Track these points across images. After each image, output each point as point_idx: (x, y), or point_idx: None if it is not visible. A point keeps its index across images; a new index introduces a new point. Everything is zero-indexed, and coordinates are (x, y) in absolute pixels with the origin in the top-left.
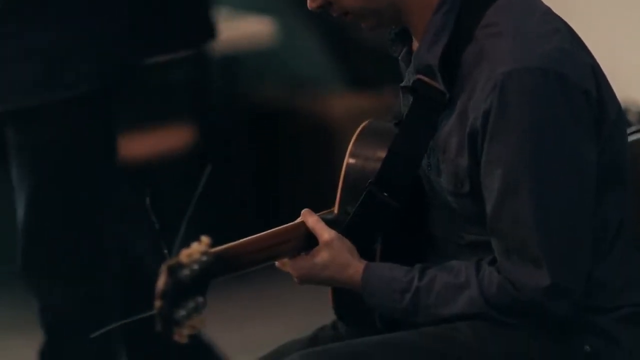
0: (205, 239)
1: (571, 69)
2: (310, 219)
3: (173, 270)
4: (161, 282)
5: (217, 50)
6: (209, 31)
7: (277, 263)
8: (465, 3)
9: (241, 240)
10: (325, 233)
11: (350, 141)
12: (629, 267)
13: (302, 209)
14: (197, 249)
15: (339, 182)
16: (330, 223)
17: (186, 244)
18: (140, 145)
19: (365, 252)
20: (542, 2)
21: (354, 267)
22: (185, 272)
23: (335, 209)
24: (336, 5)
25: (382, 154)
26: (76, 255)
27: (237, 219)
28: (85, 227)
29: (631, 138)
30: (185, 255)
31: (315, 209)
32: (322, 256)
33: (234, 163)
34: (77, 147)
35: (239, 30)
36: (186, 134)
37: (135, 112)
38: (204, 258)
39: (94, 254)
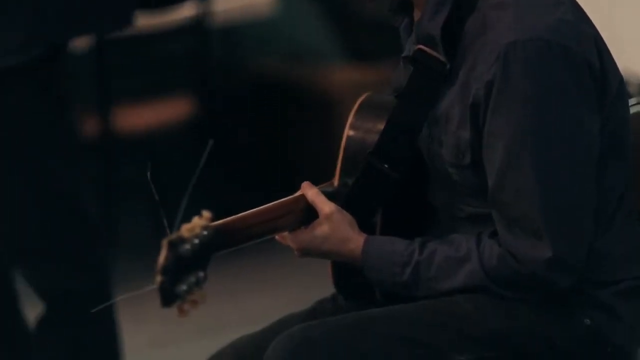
0: (206, 213)
1: (574, 40)
2: (310, 191)
3: (174, 245)
4: (162, 256)
5: (217, 21)
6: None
7: (277, 236)
8: None
9: (241, 214)
10: (325, 206)
11: (349, 113)
12: (630, 239)
13: (303, 180)
14: (198, 224)
15: (338, 153)
16: (330, 195)
17: (187, 218)
18: (140, 117)
19: (365, 225)
20: None
21: (354, 240)
22: (187, 246)
23: (335, 181)
24: None
25: (382, 126)
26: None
27: (237, 191)
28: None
29: (632, 110)
30: (186, 229)
31: (315, 181)
32: (322, 229)
33: (233, 134)
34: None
35: (240, 1)
36: (186, 105)
37: (135, 83)
38: (205, 232)
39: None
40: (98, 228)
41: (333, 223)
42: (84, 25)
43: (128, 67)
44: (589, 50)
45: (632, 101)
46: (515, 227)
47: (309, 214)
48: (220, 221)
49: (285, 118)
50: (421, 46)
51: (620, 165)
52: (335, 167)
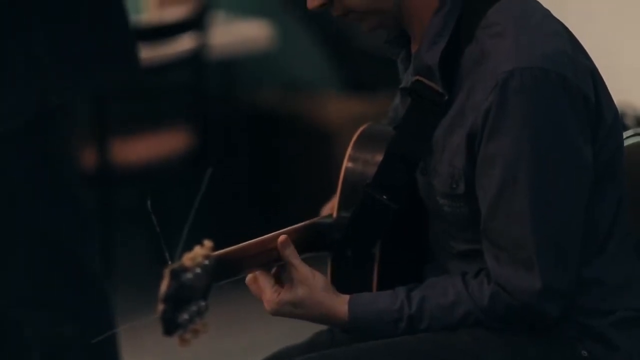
0: (207, 243)
1: (571, 71)
2: (286, 251)
3: (176, 274)
4: (164, 285)
5: (215, 54)
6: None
7: (252, 289)
8: (467, 4)
9: (242, 244)
10: (302, 269)
11: (346, 143)
12: (624, 268)
13: (301, 211)
14: (199, 253)
15: (335, 183)
16: (329, 227)
17: (188, 247)
18: (137, 148)
19: (364, 257)
20: (542, 5)
21: (332, 305)
22: (189, 275)
23: (334, 213)
24: (339, 4)
25: (380, 157)
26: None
27: (236, 222)
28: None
29: (628, 142)
30: (188, 258)
31: (314, 212)
32: (296, 292)
33: (232, 166)
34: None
35: (237, 33)
36: (183, 137)
37: (132, 115)
38: (206, 261)
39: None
40: (96, 275)
41: (309, 288)
42: (82, 84)
43: (126, 98)
44: (584, 82)
45: (629, 132)
46: (505, 257)
47: None
48: (222, 251)
49: (283, 149)
50: (419, 77)
51: (611, 194)
52: (332, 197)
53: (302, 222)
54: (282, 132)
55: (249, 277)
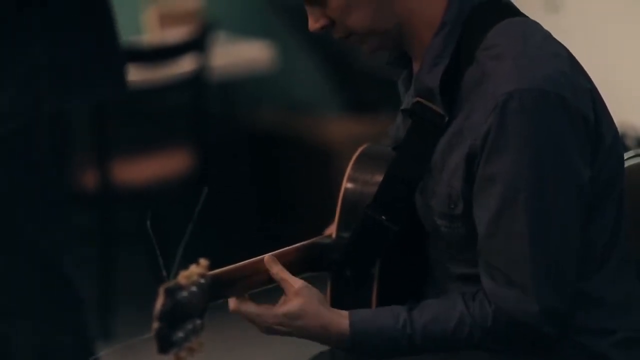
0: (203, 262)
1: (571, 92)
2: (274, 268)
3: (171, 292)
4: (159, 303)
5: (216, 75)
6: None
7: (241, 311)
8: (467, 25)
9: (238, 263)
10: (294, 282)
11: (347, 164)
12: (623, 288)
13: (301, 232)
14: (195, 271)
15: (335, 204)
16: (328, 247)
17: (184, 266)
18: (137, 169)
19: (363, 277)
20: (541, 27)
21: (330, 319)
22: (184, 293)
23: (333, 234)
24: (340, 26)
25: (380, 178)
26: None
27: (236, 242)
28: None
29: (629, 163)
30: (183, 277)
31: (314, 232)
32: (292, 305)
33: (232, 187)
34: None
35: (237, 54)
36: (183, 158)
37: (132, 136)
38: (202, 280)
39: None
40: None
41: (304, 298)
42: (73, 93)
43: (126, 119)
44: (584, 103)
45: (630, 153)
46: (503, 278)
47: None
48: (218, 270)
49: (284, 170)
50: (419, 99)
51: (610, 213)
52: (332, 218)
53: (302, 240)
54: (283, 153)
55: (232, 304)
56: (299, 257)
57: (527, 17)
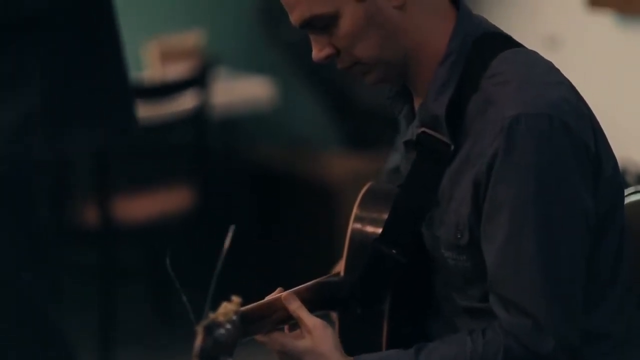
0: (236, 299)
1: (574, 120)
2: (292, 305)
3: (210, 330)
4: (199, 341)
5: (217, 112)
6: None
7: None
8: (471, 55)
9: (265, 300)
10: (309, 320)
11: (348, 200)
12: (627, 321)
13: (304, 268)
14: (230, 308)
15: (337, 240)
16: (336, 286)
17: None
18: (139, 206)
19: (374, 314)
20: (543, 57)
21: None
22: (221, 330)
23: (342, 272)
24: (346, 55)
25: (386, 215)
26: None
27: (237, 279)
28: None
29: (630, 199)
30: (220, 314)
31: (316, 269)
32: (304, 343)
33: (233, 223)
34: None
35: (239, 91)
36: (186, 195)
37: (134, 173)
38: (235, 317)
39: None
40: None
41: (315, 339)
42: (76, 139)
43: (127, 156)
44: (586, 132)
45: (630, 189)
46: (515, 309)
47: None
48: (249, 306)
49: (285, 207)
50: (424, 129)
51: (611, 245)
52: (336, 253)
53: (304, 278)
54: (284, 190)
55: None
56: (308, 296)
57: (528, 48)
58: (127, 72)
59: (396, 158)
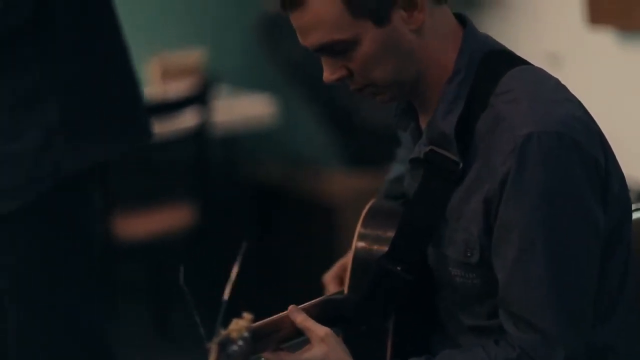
0: (247, 315)
1: (584, 136)
2: (298, 317)
3: (224, 346)
4: (212, 357)
5: (219, 129)
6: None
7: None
8: (479, 72)
9: (273, 317)
10: (319, 329)
11: (350, 218)
12: (634, 337)
13: (305, 286)
14: (242, 325)
15: (339, 257)
16: (341, 303)
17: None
18: (142, 224)
19: (378, 332)
20: (550, 74)
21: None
22: (234, 347)
23: (345, 289)
24: (360, 78)
25: (391, 233)
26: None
27: (238, 296)
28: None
29: (633, 216)
30: (234, 330)
31: (317, 287)
32: (318, 350)
33: (233, 240)
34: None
35: (240, 108)
36: (187, 213)
37: (136, 190)
38: (246, 334)
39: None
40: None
41: (329, 345)
42: (93, 153)
43: (128, 173)
44: (596, 148)
45: (633, 207)
46: (525, 325)
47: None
48: (259, 323)
49: (286, 224)
50: (433, 147)
51: (618, 262)
52: (333, 266)
53: (304, 294)
54: (285, 207)
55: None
56: (314, 313)
57: (535, 66)
58: (137, 81)
59: (398, 169)
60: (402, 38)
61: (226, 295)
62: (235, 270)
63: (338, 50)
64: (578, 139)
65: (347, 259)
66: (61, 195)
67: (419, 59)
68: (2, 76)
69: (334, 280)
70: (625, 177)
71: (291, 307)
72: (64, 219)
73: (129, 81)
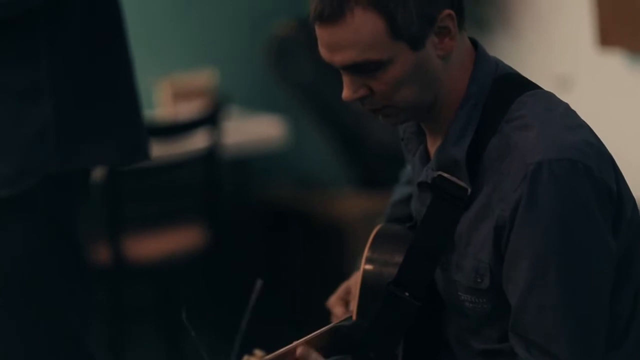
0: (259, 352)
1: (596, 163)
2: (310, 358)
3: None
4: None
5: (229, 151)
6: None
7: None
8: (490, 97)
9: (281, 350)
10: None
11: (359, 240)
12: None
13: (314, 309)
14: None
15: (344, 282)
16: (349, 330)
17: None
18: (152, 245)
19: (387, 358)
20: (560, 99)
21: None
22: None
23: (354, 316)
24: (381, 98)
25: (399, 257)
26: None
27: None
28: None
29: None
30: None
31: (327, 310)
32: None
33: (244, 262)
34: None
35: (250, 130)
36: (198, 235)
37: (146, 211)
38: None
39: None
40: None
41: None
42: (84, 156)
43: (139, 195)
44: (608, 175)
45: None
46: (537, 350)
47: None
48: (270, 355)
49: (296, 246)
50: (441, 172)
51: (628, 289)
52: (337, 289)
53: (314, 317)
54: (295, 229)
55: None
56: (321, 342)
57: (545, 90)
58: (138, 97)
59: (401, 191)
60: (430, 63)
61: (240, 333)
62: (250, 308)
63: (368, 70)
64: (590, 165)
65: (351, 282)
66: (42, 194)
67: (440, 85)
68: (12, 63)
69: (339, 302)
70: (637, 200)
71: (301, 349)
72: (44, 218)
73: (130, 96)
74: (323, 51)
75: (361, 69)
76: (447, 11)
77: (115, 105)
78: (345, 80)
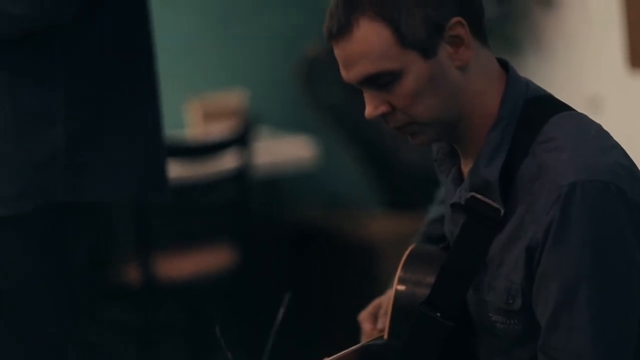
0: None
1: (629, 185)
2: None
3: None
4: None
5: (259, 171)
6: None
7: None
8: (522, 118)
9: None
10: None
11: (389, 261)
12: None
13: (342, 330)
14: None
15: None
16: (381, 350)
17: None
18: (182, 265)
19: None
20: (592, 120)
21: None
22: None
23: (385, 335)
24: (402, 114)
25: (431, 278)
26: None
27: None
28: None
29: None
30: None
31: (356, 328)
32: None
33: (273, 282)
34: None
35: (280, 150)
36: (228, 255)
37: (176, 231)
38: None
39: None
40: None
41: None
42: (91, 190)
43: (169, 215)
44: None
45: None
46: None
47: None
48: None
49: (326, 267)
50: (474, 194)
51: None
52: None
53: (344, 338)
54: (325, 249)
55: None
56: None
57: (577, 111)
58: (161, 128)
59: (436, 210)
60: (446, 73)
61: (268, 348)
62: (278, 321)
63: (383, 82)
64: (623, 187)
65: (383, 299)
66: (39, 219)
67: (463, 100)
68: (28, 84)
69: (369, 318)
70: None
71: None
72: (33, 242)
73: (151, 129)
74: (342, 72)
75: (376, 82)
76: (456, 18)
77: (133, 139)
78: (366, 97)
